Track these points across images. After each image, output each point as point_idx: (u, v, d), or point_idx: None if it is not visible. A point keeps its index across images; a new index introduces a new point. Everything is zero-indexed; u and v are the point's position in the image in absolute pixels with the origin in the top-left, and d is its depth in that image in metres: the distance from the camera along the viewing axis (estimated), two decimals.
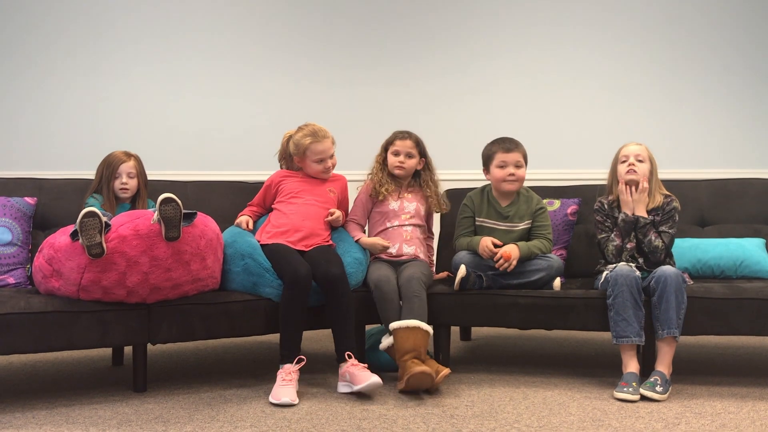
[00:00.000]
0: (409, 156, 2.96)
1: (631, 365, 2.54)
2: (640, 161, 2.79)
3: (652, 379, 2.48)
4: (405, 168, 2.96)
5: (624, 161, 2.81)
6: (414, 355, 2.51)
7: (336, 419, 2.22)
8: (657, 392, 2.42)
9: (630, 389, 2.44)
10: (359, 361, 2.53)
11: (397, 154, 2.96)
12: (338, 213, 2.91)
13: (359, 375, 2.46)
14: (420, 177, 3.04)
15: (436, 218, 3.30)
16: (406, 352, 2.52)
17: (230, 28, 4.30)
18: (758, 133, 4.14)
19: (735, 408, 2.36)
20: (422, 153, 3.00)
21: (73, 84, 4.25)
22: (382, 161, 3.01)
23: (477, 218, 2.94)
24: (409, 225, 2.95)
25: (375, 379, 2.43)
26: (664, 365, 2.53)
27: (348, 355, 2.53)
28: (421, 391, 2.50)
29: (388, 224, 2.95)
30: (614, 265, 2.67)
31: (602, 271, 2.75)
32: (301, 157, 2.93)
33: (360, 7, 4.31)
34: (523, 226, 2.89)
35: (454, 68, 4.28)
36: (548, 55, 4.23)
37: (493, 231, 2.89)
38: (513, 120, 4.14)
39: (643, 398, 2.43)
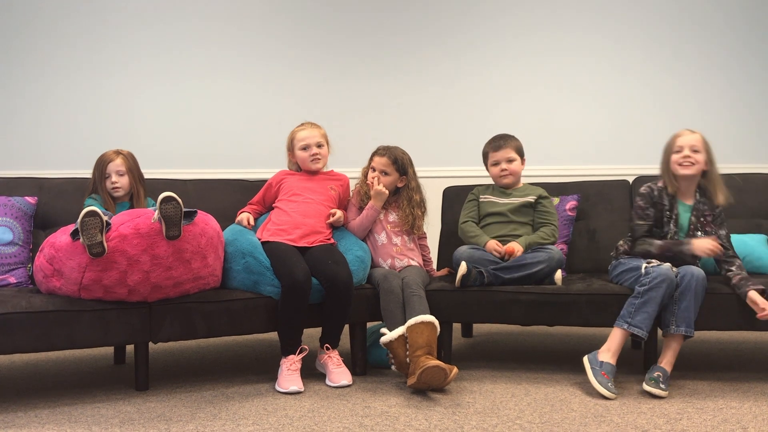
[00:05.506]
0: (384, 173, 2.94)
1: (615, 356, 2.49)
2: (695, 152, 2.66)
3: (655, 375, 2.45)
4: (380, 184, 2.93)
5: (678, 151, 2.68)
6: (426, 351, 2.51)
7: (338, 416, 2.22)
8: (662, 388, 2.41)
9: (611, 387, 2.41)
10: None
11: (374, 169, 2.96)
12: (339, 213, 2.92)
13: (334, 373, 2.60)
14: (399, 194, 3.01)
15: (437, 216, 3.30)
16: (419, 347, 2.51)
17: (231, 27, 4.29)
18: (759, 128, 4.13)
19: (737, 403, 2.36)
20: (401, 171, 2.95)
21: (73, 82, 4.25)
22: (365, 174, 3.02)
23: (481, 196, 3.02)
24: (397, 237, 2.95)
25: (346, 382, 2.57)
26: (668, 363, 2.51)
27: (327, 347, 2.66)
28: (429, 389, 2.48)
29: (377, 237, 2.95)
30: (656, 263, 2.58)
31: (637, 264, 2.63)
32: (292, 150, 3.00)
33: (362, 6, 4.30)
34: (523, 200, 2.94)
35: (455, 67, 4.27)
36: (547, 52, 4.22)
37: (495, 204, 2.96)
38: (512, 117, 4.14)
39: (647, 394, 2.42)
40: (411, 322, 2.56)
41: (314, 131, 2.97)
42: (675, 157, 2.69)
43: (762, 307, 2.47)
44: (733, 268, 2.61)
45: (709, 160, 2.69)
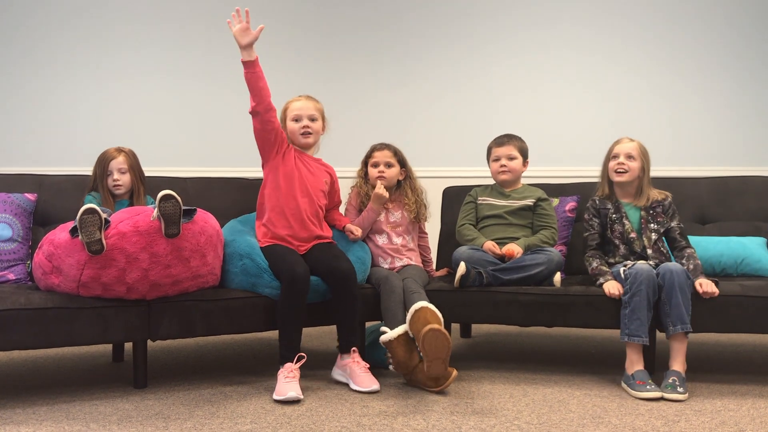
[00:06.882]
0: (389, 165, 2.97)
1: (640, 363, 2.53)
2: (630, 159, 2.76)
3: (670, 380, 2.45)
4: (386, 177, 2.97)
5: (615, 157, 2.80)
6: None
7: (336, 416, 2.22)
8: (679, 392, 2.41)
9: (651, 387, 2.43)
10: (362, 359, 2.57)
11: (376, 165, 2.98)
12: (353, 228, 2.88)
13: (362, 377, 2.51)
14: (401, 186, 3.04)
15: (436, 216, 3.30)
16: (418, 330, 2.46)
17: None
18: (758, 131, 4.14)
19: (735, 405, 2.36)
20: (402, 163, 3.01)
21: (73, 80, 4.25)
22: (364, 175, 3.03)
23: (479, 198, 3.02)
24: (398, 237, 2.96)
25: (375, 387, 2.48)
26: (679, 363, 2.51)
27: (353, 349, 2.58)
28: (429, 388, 2.48)
29: (377, 237, 2.97)
30: (632, 262, 2.66)
31: (612, 265, 2.74)
32: (284, 123, 2.89)
33: (360, 5, 4.30)
34: (522, 202, 2.94)
35: (454, 67, 4.28)
36: (547, 53, 4.23)
37: (493, 207, 2.96)
38: (512, 118, 4.14)
39: (666, 400, 2.41)
40: (408, 316, 2.55)
41: (309, 103, 2.87)
42: (612, 163, 2.81)
43: (704, 290, 2.54)
44: (683, 260, 2.71)
45: (643, 168, 2.78)
